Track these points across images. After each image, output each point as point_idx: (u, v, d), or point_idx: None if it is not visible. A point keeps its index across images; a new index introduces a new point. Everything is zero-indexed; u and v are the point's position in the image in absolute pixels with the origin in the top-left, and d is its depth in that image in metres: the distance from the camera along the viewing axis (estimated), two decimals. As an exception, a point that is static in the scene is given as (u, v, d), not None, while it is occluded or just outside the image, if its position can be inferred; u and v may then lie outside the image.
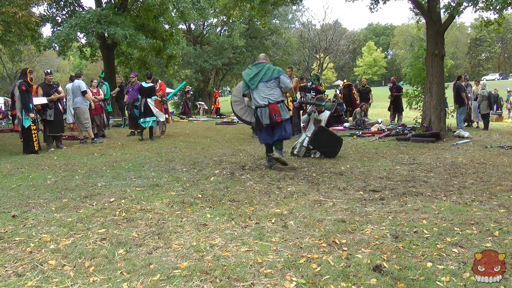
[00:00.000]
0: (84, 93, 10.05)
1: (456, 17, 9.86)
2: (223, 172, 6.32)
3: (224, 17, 28.50)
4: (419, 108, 12.12)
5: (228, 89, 45.82)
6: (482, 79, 25.11)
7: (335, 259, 3.01)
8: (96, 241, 3.43)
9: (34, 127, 8.52)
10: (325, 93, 14.53)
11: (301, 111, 11.74)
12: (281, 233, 3.58)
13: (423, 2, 10.99)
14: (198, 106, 25.15)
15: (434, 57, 10.34)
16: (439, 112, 10.37)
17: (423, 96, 11.38)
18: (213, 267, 2.89)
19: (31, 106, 8.46)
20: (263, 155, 7.49)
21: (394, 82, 15.59)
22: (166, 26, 20.03)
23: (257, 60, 6.62)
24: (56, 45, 17.08)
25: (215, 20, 31.01)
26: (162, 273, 2.80)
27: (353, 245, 3.28)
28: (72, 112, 10.34)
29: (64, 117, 10.73)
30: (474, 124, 14.43)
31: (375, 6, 11.79)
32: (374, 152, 8.36)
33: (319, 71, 50.35)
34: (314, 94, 11.59)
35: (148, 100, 10.57)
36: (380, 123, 13.49)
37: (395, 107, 15.15)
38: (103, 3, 18.96)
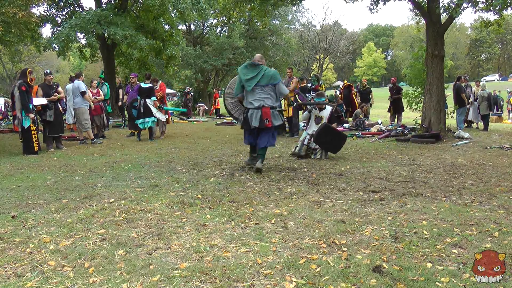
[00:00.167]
0: (83, 93, 10.05)
1: (456, 18, 9.85)
2: (223, 172, 6.32)
3: (224, 17, 28.55)
4: (419, 109, 12.12)
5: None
6: (481, 80, 25.15)
7: (335, 260, 3.01)
8: (96, 241, 3.43)
9: (34, 128, 8.51)
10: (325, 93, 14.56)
11: (300, 111, 11.74)
12: (281, 233, 3.58)
13: (422, 3, 11.00)
14: (197, 108, 25.16)
15: (434, 58, 10.34)
16: (439, 113, 10.38)
17: (423, 97, 11.39)
18: (213, 267, 2.89)
19: (31, 106, 8.46)
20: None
21: (394, 82, 15.60)
22: (166, 27, 20.04)
23: (253, 60, 6.44)
24: (56, 45, 17.07)
25: (215, 20, 31.03)
26: (162, 274, 2.80)
27: (353, 246, 3.28)
28: (73, 113, 10.34)
29: (64, 118, 10.73)
30: (474, 125, 14.43)
31: (375, 6, 11.79)
32: (374, 153, 8.36)
33: (319, 72, 50.38)
34: (314, 95, 11.59)
35: (147, 100, 10.56)
36: (380, 124, 13.50)
37: (395, 108, 15.16)
38: (103, 3, 18.97)
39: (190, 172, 6.41)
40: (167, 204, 4.53)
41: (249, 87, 6.21)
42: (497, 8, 8.79)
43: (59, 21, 18.89)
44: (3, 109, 20.28)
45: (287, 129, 11.77)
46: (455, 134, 10.83)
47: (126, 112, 14.04)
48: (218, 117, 22.26)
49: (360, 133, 11.85)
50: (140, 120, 10.58)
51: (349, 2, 12.04)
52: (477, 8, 9.35)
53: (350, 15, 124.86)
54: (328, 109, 7.99)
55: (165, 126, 11.71)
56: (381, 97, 27.66)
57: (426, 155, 8.03)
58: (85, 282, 2.72)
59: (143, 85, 10.72)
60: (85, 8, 19.26)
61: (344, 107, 15.70)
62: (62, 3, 19.11)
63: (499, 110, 20.65)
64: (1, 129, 15.32)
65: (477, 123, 14.24)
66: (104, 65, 19.75)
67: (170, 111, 13.43)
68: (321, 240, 3.40)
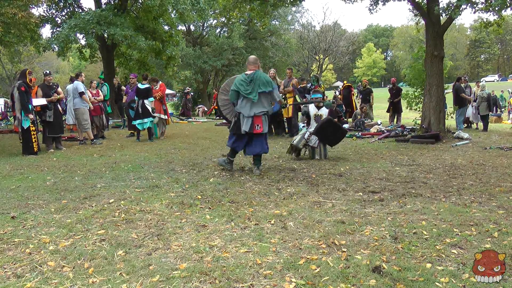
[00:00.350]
0: (81, 94, 10.04)
1: (455, 18, 9.86)
2: (222, 173, 6.32)
3: (223, 18, 28.54)
4: (418, 109, 12.12)
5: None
6: (481, 80, 25.16)
7: (335, 260, 3.01)
8: (95, 242, 3.43)
9: (34, 128, 8.51)
10: (325, 94, 14.56)
11: (299, 113, 11.74)
12: (281, 234, 3.58)
13: (422, 4, 11.00)
14: (197, 110, 25.16)
15: (433, 59, 10.35)
16: (438, 113, 10.38)
17: (422, 98, 11.39)
18: (213, 268, 2.89)
19: (30, 107, 8.46)
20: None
21: (394, 83, 15.60)
22: (166, 27, 20.03)
23: (248, 65, 6.27)
24: (55, 46, 17.07)
25: (215, 21, 31.03)
26: (162, 274, 2.80)
27: (353, 246, 3.28)
28: (73, 113, 10.33)
29: (64, 118, 10.72)
30: (474, 126, 14.44)
31: (374, 7, 11.80)
32: (373, 153, 8.36)
33: (318, 72, 50.43)
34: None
35: (145, 101, 10.54)
36: (380, 125, 13.50)
37: (394, 108, 15.17)
38: (103, 4, 18.96)
39: (190, 172, 6.41)
40: (166, 204, 4.53)
41: (255, 98, 6.02)
42: (497, 8, 8.79)
43: (58, 22, 18.87)
44: (3, 110, 20.27)
45: (287, 130, 11.78)
46: (454, 134, 10.83)
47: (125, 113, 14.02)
48: (217, 117, 22.25)
49: (360, 133, 11.85)
50: (138, 121, 10.56)
51: (349, 3, 12.05)
52: (476, 8, 9.36)
53: (350, 16, 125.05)
54: (325, 110, 7.98)
55: (164, 127, 11.70)
56: (380, 97, 27.66)
57: (426, 155, 8.03)
58: (84, 282, 2.72)
59: (140, 85, 10.70)
60: (84, 8, 19.26)
61: (344, 107, 15.71)
62: (61, 4, 19.09)
63: (500, 110, 20.66)
64: (1, 130, 15.32)
65: (477, 124, 14.25)
66: (104, 66, 19.74)
67: (170, 113, 13.43)
68: (320, 241, 3.40)
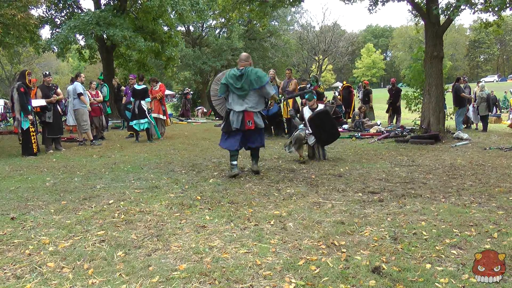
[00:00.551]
0: (79, 95, 10.04)
1: (454, 19, 9.87)
2: (222, 174, 6.32)
3: (223, 19, 28.56)
4: (418, 110, 12.13)
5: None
6: (480, 80, 25.14)
7: (334, 261, 3.01)
8: (95, 243, 3.42)
9: (33, 129, 8.51)
10: (324, 95, 14.58)
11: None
12: (280, 235, 3.58)
13: (421, 4, 11.01)
14: (196, 111, 25.18)
15: (433, 59, 10.35)
16: (438, 114, 10.38)
17: (422, 98, 11.39)
18: (212, 269, 2.89)
19: (29, 108, 8.46)
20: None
21: (394, 83, 15.60)
22: (165, 28, 20.05)
23: (239, 62, 6.14)
24: (55, 47, 17.07)
25: (214, 22, 31.06)
26: (161, 275, 2.80)
27: (352, 247, 3.28)
28: (73, 114, 10.33)
29: (64, 119, 10.72)
30: (473, 126, 14.45)
31: (374, 7, 11.81)
32: (373, 154, 8.36)
33: (318, 73, 50.46)
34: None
35: (142, 102, 10.54)
36: (379, 125, 13.51)
37: (394, 109, 15.18)
38: (102, 5, 18.97)
39: (189, 173, 6.41)
40: (166, 205, 4.53)
41: (242, 93, 5.91)
42: (496, 9, 8.80)
43: (58, 23, 18.88)
44: (2, 111, 20.27)
45: (286, 130, 11.78)
46: (454, 135, 10.84)
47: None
48: (217, 118, 22.24)
49: (359, 134, 11.85)
50: (134, 122, 10.56)
51: (348, 3, 12.05)
52: (475, 9, 9.37)
53: (349, 16, 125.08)
54: (320, 106, 7.94)
55: (164, 127, 11.71)
56: (380, 98, 27.67)
57: (425, 156, 8.03)
58: (84, 283, 2.72)
59: (136, 86, 10.69)
60: (84, 9, 19.27)
61: (344, 108, 15.71)
62: (61, 5, 19.11)
63: (500, 111, 20.67)
64: (0, 131, 15.31)
65: (476, 124, 14.26)
66: (103, 67, 19.75)
67: (169, 113, 13.43)
68: (320, 241, 3.40)
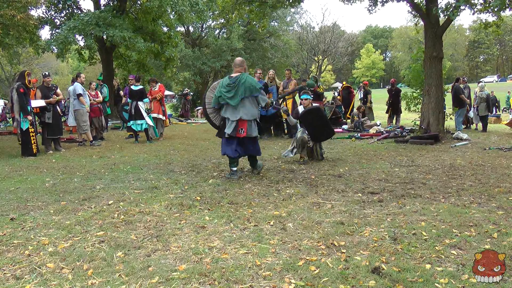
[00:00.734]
0: (78, 96, 10.04)
1: (454, 19, 9.86)
2: (221, 174, 6.32)
3: (222, 19, 28.57)
4: (417, 110, 12.13)
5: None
6: (480, 81, 25.18)
7: (334, 261, 3.01)
8: (94, 243, 3.42)
9: (33, 130, 8.50)
10: (324, 95, 14.56)
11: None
12: (280, 235, 3.58)
13: (421, 5, 11.01)
14: (196, 112, 25.17)
15: (432, 59, 10.35)
16: (437, 114, 10.38)
17: (421, 98, 11.39)
18: (212, 269, 2.89)
19: (29, 108, 8.45)
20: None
21: (393, 83, 15.60)
22: (165, 29, 20.04)
23: (233, 67, 6.09)
24: (54, 47, 17.04)
25: (214, 22, 31.07)
26: (161, 276, 2.80)
27: (352, 247, 3.28)
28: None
29: (63, 120, 10.71)
30: (473, 126, 14.45)
31: (373, 7, 11.82)
32: (372, 154, 8.36)
33: (317, 73, 50.45)
34: (312, 96, 11.58)
35: (139, 103, 10.53)
36: (379, 125, 13.50)
37: (393, 109, 15.18)
38: (102, 5, 18.96)
39: (189, 173, 6.41)
40: (165, 206, 4.53)
41: (234, 102, 5.83)
42: (495, 9, 8.80)
43: (57, 23, 18.86)
44: (2, 111, 20.25)
45: (286, 131, 11.78)
46: (453, 135, 10.84)
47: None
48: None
49: (359, 134, 11.85)
50: (131, 122, 10.57)
51: (348, 4, 12.06)
52: (475, 9, 9.36)
53: (349, 17, 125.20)
54: (314, 105, 7.92)
55: (163, 128, 11.70)
56: (379, 98, 27.68)
57: (425, 156, 8.03)
58: (84, 284, 2.72)
59: (133, 87, 10.69)
60: (83, 10, 19.26)
61: (343, 108, 15.71)
62: (60, 5, 19.08)
63: (500, 111, 20.69)
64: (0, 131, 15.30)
65: (476, 124, 14.27)
66: (103, 67, 19.73)
67: (169, 114, 13.42)
68: (320, 242, 3.40)
